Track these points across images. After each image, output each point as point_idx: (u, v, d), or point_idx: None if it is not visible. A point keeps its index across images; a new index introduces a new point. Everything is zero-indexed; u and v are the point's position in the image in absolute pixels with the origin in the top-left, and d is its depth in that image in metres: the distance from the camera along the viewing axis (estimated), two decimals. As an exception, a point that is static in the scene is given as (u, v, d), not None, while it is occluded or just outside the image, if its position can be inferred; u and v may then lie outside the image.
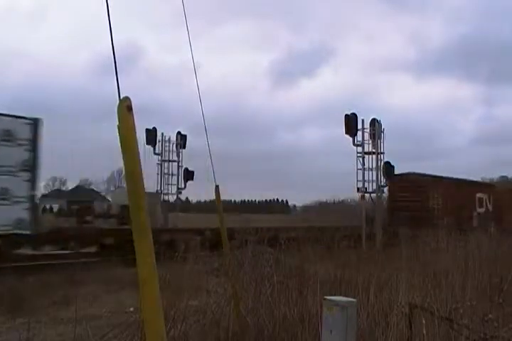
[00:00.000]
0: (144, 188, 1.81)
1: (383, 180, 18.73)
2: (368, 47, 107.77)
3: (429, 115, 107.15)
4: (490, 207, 29.12)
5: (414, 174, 25.10)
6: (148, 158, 21.30)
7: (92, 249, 15.06)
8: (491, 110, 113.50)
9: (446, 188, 25.00)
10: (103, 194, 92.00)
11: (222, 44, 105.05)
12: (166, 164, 23.31)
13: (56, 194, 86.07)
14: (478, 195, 28.61)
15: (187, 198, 62.32)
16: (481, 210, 28.16)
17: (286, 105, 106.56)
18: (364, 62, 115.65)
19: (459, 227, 14.31)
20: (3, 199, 11.80)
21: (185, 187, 23.53)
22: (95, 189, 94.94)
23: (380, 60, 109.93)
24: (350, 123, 17.90)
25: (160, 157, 23.09)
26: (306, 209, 52.51)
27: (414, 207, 23.57)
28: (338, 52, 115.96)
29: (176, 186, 23.45)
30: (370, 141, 18.44)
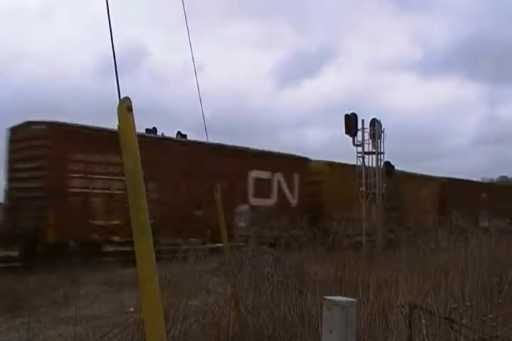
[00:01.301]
0: (144, 188, 1.81)
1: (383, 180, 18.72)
2: (371, 47, 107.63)
3: (432, 115, 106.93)
4: (292, 198, 16.00)
5: (43, 123, 12.77)
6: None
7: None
8: (493, 110, 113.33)
9: (152, 155, 11.86)
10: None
11: (225, 44, 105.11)
12: (166, 164, 23.31)
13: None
14: (255, 173, 14.91)
15: (187, 198, 62.35)
16: (264, 201, 15.27)
17: (288, 105, 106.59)
18: (367, 62, 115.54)
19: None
20: None
21: (185, 187, 23.52)
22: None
23: (383, 60, 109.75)
24: (350, 123, 17.91)
25: (160, 157, 23.10)
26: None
27: (37, 190, 12.03)
28: (341, 53, 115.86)
29: (176, 186, 23.45)
30: (370, 141, 18.46)
